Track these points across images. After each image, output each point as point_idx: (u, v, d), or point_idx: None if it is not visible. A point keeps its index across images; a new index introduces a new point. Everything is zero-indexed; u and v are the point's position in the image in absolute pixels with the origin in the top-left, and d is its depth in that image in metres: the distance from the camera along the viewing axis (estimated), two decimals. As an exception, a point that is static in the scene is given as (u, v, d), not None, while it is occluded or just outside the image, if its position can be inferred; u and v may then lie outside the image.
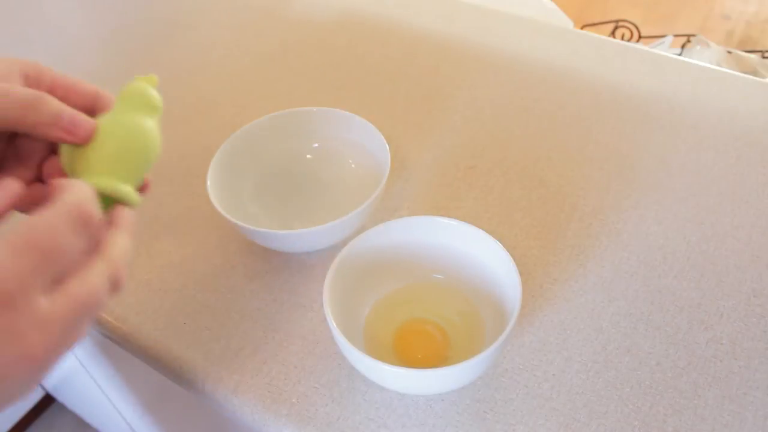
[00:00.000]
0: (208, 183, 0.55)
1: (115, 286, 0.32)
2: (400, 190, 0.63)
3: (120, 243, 0.35)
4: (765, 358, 0.50)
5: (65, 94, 0.38)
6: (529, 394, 0.49)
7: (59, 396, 1.33)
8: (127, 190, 0.38)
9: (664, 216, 0.60)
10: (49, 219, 0.29)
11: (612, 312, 0.53)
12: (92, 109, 0.40)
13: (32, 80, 0.37)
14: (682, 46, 1.43)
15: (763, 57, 1.38)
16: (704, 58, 1.34)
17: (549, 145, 0.67)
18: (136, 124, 0.38)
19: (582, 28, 1.54)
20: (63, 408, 1.38)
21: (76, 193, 0.31)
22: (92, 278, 0.31)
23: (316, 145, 0.64)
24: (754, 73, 1.30)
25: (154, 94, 0.39)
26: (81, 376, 0.97)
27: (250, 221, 0.56)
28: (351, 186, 0.61)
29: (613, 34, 1.57)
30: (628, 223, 0.60)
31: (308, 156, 0.64)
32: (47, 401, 1.39)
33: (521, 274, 0.47)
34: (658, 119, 0.70)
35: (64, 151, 0.39)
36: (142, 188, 0.41)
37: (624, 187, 0.63)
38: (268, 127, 0.62)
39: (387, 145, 0.57)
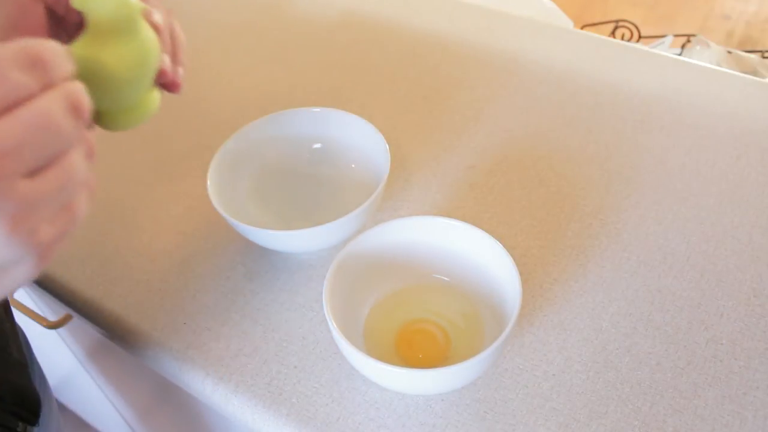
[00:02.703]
0: (208, 183, 0.55)
1: (76, 118, 0.28)
2: (400, 190, 0.63)
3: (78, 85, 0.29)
4: (765, 358, 0.50)
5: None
6: (529, 394, 0.49)
7: (59, 396, 1.33)
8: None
9: (664, 216, 0.60)
10: None
11: (612, 312, 0.53)
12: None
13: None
14: (682, 46, 1.43)
15: (763, 57, 1.38)
16: (704, 58, 1.34)
17: (549, 145, 0.67)
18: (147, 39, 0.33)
19: (582, 28, 1.54)
20: (63, 408, 1.38)
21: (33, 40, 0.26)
22: (42, 102, 0.26)
23: (317, 145, 0.64)
24: (754, 73, 1.30)
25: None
26: (81, 376, 0.97)
27: (250, 221, 0.56)
28: (351, 186, 0.61)
29: (613, 34, 1.57)
30: (628, 223, 0.60)
31: (308, 156, 0.64)
32: (47, 401, 1.39)
33: (521, 274, 0.47)
34: (658, 119, 0.70)
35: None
36: (171, 86, 0.39)
37: (624, 187, 0.63)
38: (268, 127, 0.62)
39: (387, 146, 0.57)
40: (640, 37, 1.56)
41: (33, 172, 0.27)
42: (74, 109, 0.28)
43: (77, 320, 0.61)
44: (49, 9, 0.36)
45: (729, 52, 1.36)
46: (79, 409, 1.29)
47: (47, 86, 0.27)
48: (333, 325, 0.44)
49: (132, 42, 0.33)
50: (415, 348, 0.50)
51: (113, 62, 0.33)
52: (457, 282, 0.52)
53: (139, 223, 0.62)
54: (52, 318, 0.70)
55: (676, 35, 1.50)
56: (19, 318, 0.73)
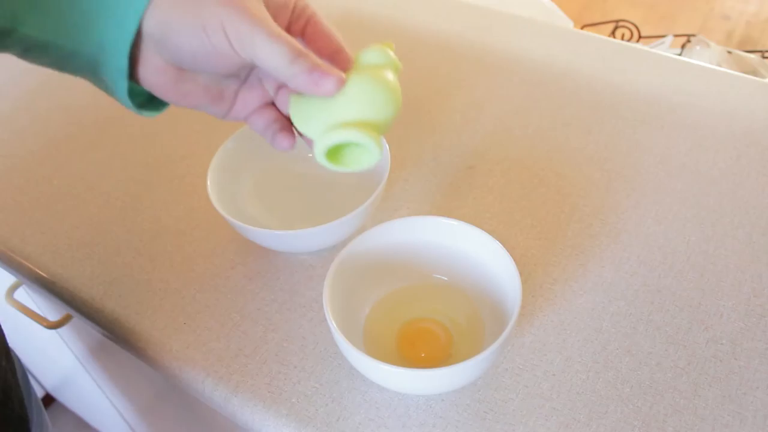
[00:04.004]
0: (208, 183, 0.55)
1: None
2: (400, 190, 0.63)
3: None
4: (765, 358, 0.50)
5: (310, 39, 0.40)
6: (529, 394, 0.49)
7: (59, 396, 1.33)
8: (375, 135, 0.38)
9: (664, 216, 0.60)
10: None
11: (612, 312, 0.53)
12: (329, 61, 0.41)
13: (296, 15, 0.40)
14: (682, 46, 1.43)
15: (763, 57, 1.38)
16: (704, 58, 1.34)
17: (549, 145, 0.67)
18: (383, 77, 0.38)
19: (582, 28, 1.54)
20: (63, 408, 1.38)
21: None
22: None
23: (316, 145, 0.64)
24: (754, 73, 1.30)
25: (394, 54, 0.39)
26: (81, 376, 0.97)
27: (250, 221, 0.56)
28: (351, 186, 0.61)
29: (613, 34, 1.57)
30: (628, 223, 0.60)
31: (308, 156, 0.63)
32: (47, 401, 1.39)
33: (521, 274, 0.47)
34: (658, 119, 0.70)
35: (294, 99, 0.40)
36: None
37: (624, 187, 0.63)
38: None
39: (387, 145, 0.57)
40: (640, 37, 1.56)
41: None
42: None
43: (77, 320, 0.61)
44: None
45: (729, 52, 1.36)
46: (79, 409, 1.30)
47: None
48: (333, 325, 0.44)
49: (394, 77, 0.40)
50: (418, 347, 0.50)
51: (394, 81, 0.40)
52: (457, 282, 0.52)
53: (139, 223, 0.62)
54: (52, 318, 0.70)
55: (676, 35, 1.50)
56: (20, 318, 0.73)
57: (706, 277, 0.55)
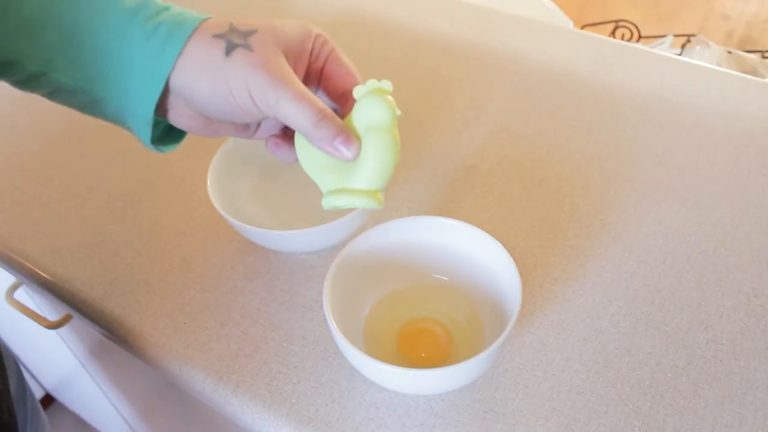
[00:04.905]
0: (208, 183, 0.55)
1: None
2: (400, 190, 0.63)
3: None
4: (765, 358, 0.50)
5: (327, 76, 0.40)
6: (529, 394, 0.49)
7: (59, 396, 1.33)
8: (379, 196, 0.40)
9: (664, 216, 0.60)
10: None
11: (612, 312, 0.53)
12: (341, 98, 0.41)
13: (314, 55, 0.40)
14: (682, 46, 1.43)
15: (763, 57, 1.38)
16: (704, 58, 1.34)
17: (549, 145, 0.67)
18: (390, 140, 0.39)
19: (582, 28, 1.54)
20: (63, 408, 1.38)
21: None
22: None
23: (316, 145, 0.64)
24: (754, 73, 1.30)
25: (392, 99, 0.40)
26: (81, 376, 0.97)
27: (250, 221, 0.56)
28: (351, 186, 0.61)
29: (613, 34, 1.57)
30: (628, 223, 0.60)
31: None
32: (47, 401, 1.39)
33: (521, 274, 0.47)
34: (658, 119, 0.70)
35: (301, 144, 0.41)
36: None
37: (624, 187, 0.63)
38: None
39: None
40: (640, 37, 1.56)
41: None
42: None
43: (77, 320, 0.61)
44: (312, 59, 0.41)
45: (729, 52, 1.36)
46: (79, 409, 1.30)
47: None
48: (333, 325, 0.44)
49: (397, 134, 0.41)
50: (418, 347, 0.50)
51: (398, 140, 0.40)
52: (457, 282, 0.52)
53: (139, 223, 0.62)
54: (52, 318, 0.70)
55: (676, 35, 1.50)
56: (20, 318, 0.73)
57: (706, 277, 0.55)
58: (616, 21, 1.58)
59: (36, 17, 0.36)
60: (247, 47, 0.37)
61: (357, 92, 0.40)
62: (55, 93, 0.40)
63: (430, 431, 0.47)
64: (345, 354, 0.46)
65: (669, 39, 1.48)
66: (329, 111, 0.38)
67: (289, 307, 0.55)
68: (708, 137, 0.68)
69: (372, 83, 0.40)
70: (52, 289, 0.59)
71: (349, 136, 0.38)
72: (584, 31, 0.85)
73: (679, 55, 1.31)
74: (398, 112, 0.40)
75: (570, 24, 1.21)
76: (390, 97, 0.40)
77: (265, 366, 0.51)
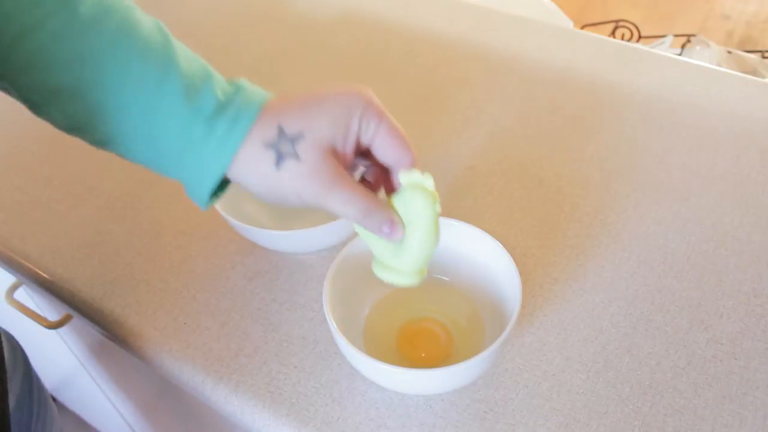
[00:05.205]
0: (208, 183, 0.55)
1: None
2: (400, 190, 0.63)
3: None
4: (765, 358, 0.50)
5: (376, 148, 0.42)
6: (529, 394, 0.49)
7: (59, 396, 1.33)
8: (422, 271, 0.43)
9: (664, 216, 0.60)
10: None
11: (612, 312, 0.53)
12: (388, 169, 0.44)
13: (362, 133, 0.41)
14: (682, 46, 1.43)
15: (763, 57, 1.38)
16: (704, 58, 1.34)
17: (549, 145, 0.67)
18: (432, 232, 0.42)
19: (582, 28, 1.54)
20: (63, 408, 1.38)
21: None
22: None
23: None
24: (754, 73, 1.30)
25: (436, 198, 0.43)
26: (81, 376, 0.97)
27: (250, 221, 0.56)
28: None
29: (613, 34, 1.57)
30: (628, 223, 0.60)
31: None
32: (47, 401, 1.39)
33: (521, 274, 0.47)
34: (658, 119, 0.70)
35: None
36: None
37: (624, 187, 0.63)
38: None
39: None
40: (640, 37, 1.56)
41: None
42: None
43: (77, 320, 0.61)
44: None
45: (729, 52, 1.36)
46: (79, 409, 1.29)
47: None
48: (333, 325, 0.44)
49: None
50: (418, 347, 0.50)
51: (437, 227, 0.42)
52: (457, 282, 0.52)
53: (139, 222, 0.62)
54: (52, 318, 0.70)
55: (676, 35, 1.50)
56: (19, 318, 0.73)
57: (706, 277, 0.55)
58: (616, 21, 1.58)
59: (102, 103, 0.38)
60: (296, 156, 0.39)
61: (402, 177, 0.42)
62: (104, 147, 0.42)
63: (430, 431, 0.47)
64: (345, 354, 0.46)
65: (669, 39, 1.48)
66: (375, 203, 0.41)
67: (289, 307, 0.55)
68: (708, 137, 0.68)
69: (415, 176, 0.42)
70: (52, 289, 0.59)
71: (394, 223, 0.42)
72: (584, 31, 0.85)
73: (679, 55, 1.31)
74: (438, 209, 0.42)
75: (570, 24, 1.21)
76: (432, 192, 0.42)
77: (265, 366, 0.51)
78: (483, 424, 0.47)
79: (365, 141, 0.42)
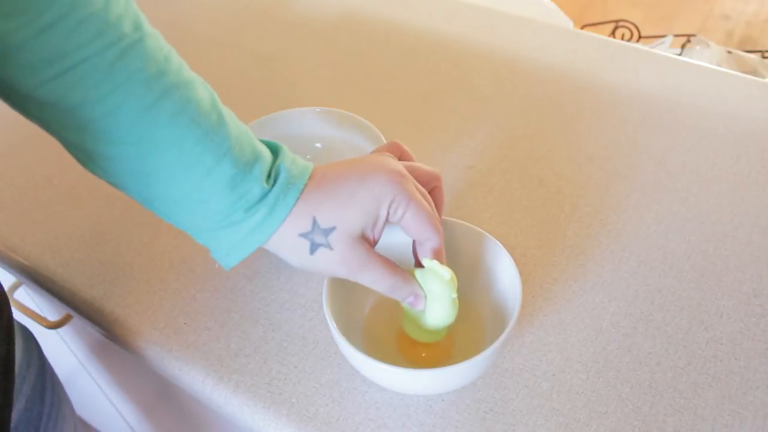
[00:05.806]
0: (208, 183, 0.55)
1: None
2: (400, 190, 0.63)
3: None
4: (765, 358, 0.50)
5: (405, 229, 0.45)
6: (529, 394, 0.49)
7: (59, 396, 1.33)
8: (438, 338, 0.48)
9: (664, 216, 0.60)
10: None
11: (612, 312, 0.53)
12: (414, 243, 0.47)
13: (391, 212, 0.44)
14: (682, 46, 1.43)
15: (763, 57, 1.38)
16: (704, 58, 1.34)
17: (549, 145, 0.67)
18: (449, 310, 0.46)
19: (582, 28, 1.54)
20: (63, 408, 1.38)
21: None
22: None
23: (317, 144, 0.64)
24: (754, 73, 1.30)
25: (454, 282, 0.46)
26: (81, 376, 0.97)
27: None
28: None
29: (613, 34, 1.57)
30: (628, 223, 0.60)
31: (309, 156, 0.63)
32: (47, 401, 1.39)
33: (521, 274, 0.47)
34: (658, 119, 0.70)
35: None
36: None
37: (624, 187, 0.63)
38: (268, 127, 0.62)
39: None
40: (640, 37, 1.56)
41: None
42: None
43: (77, 320, 0.61)
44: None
45: (729, 52, 1.36)
46: (79, 409, 1.29)
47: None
48: (333, 325, 0.44)
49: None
50: (418, 347, 0.50)
51: (455, 304, 0.46)
52: (457, 282, 0.52)
53: (139, 223, 0.62)
54: (52, 318, 0.70)
55: (676, 35, 1.50)
56: (20, 318, 0.73)
57: (706, 277, 0.55)
58: (616, 21, 1.59)
59: (150, 173, 0.39)
60: (328, 246, 0.42)
61: (425, 262, 0.45)
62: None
63: (430, 431, 0.47)
64: (345, 354, 0.46)
65: (669, 39, 1.48)
66: (401, 280, 0.44)
67: (289, 307, 0.55)
68: (708, 137, 0.68)
69: (435, 266, 0.45)
70: (52, 289, 0.59)
71: (418, 296, 0.45)
72: (584, 31, 0.85)
73: (679, 55, 1.31)
74: (454, 295, 0.45)
75: (570, 24, 1.21)
76: (451, 278, 0.45)
77: (265, 366, 0.51)
78: (483, 424, 0.47)
79: (394, 220, 0.44)
